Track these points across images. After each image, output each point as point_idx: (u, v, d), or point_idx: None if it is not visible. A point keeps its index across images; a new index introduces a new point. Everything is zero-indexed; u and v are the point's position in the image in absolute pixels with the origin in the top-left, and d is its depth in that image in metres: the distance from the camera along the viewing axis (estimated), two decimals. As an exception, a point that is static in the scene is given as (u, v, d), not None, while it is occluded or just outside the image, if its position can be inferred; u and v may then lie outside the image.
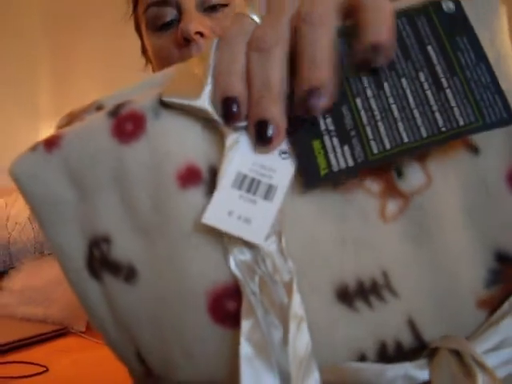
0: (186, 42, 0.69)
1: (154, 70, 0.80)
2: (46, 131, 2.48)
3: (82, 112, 0.32)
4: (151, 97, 0.29)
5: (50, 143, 0.29)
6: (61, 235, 0.29)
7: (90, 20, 2.33)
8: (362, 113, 0.25)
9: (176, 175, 0.28)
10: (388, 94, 0.26)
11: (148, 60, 0.81)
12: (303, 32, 0.26)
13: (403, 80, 0.26)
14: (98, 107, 0.31)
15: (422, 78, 0.26)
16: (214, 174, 0.27)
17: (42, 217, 0.29)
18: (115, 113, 0.29)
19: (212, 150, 0.28)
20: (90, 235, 0.29)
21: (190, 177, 0.28)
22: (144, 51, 0.82)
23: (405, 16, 0.27)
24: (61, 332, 1.63)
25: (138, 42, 0.85)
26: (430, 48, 0.26)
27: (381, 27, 0.25)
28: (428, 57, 0.26)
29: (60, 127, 0.31)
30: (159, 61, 0.74)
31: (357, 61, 0.26)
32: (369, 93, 0.26)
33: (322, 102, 0.25)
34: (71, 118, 0.32)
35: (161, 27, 0.72)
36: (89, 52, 2.36)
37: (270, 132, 0.25)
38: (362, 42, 0.26)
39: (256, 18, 0.28)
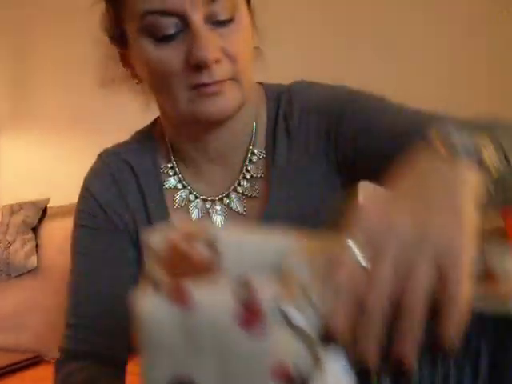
0: (197, 67, 0.64)
1: (137, 77, 0.73)
2: (5, 137, 2.39)
3: (192, 238, 0.39)
4: (274, 297, 0.36)
5: (180, 298, 0.36)
6: (154, 363, 0.37)
7: (49, 24, 2.25)
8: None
9: (272, 370, 0.35)
10: (437, 376, 0.35)
11: (127, 66, 0.73)
12: (404, 321, 0.34)
13: (451, 368, 0.35)
14: (208, 242, 0.39)
15: (467, 372, 0.35)
16: (301, 379, 0.35)
17: (147, 342, 0.37)
18: (243, 301, 0.36)
19: (307, 361, 0.35)
20: (178, 376, 0.36)
21: (282, 376, 0.35)
22: (123, 58, 0.73)
23: (477, 317, 0.34)
24: (34, 360, 1.55)
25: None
26: (483, 352, 0.35)
27: (451, 335, 0.32)
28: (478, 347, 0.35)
29: (169, 251, 0.40)
30: (155, 73, 0.68)
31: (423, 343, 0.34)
32: (424, 370, 0.35)
33: (409, 370, 0.33)
34: (185, 238, 0.39)
35: (161, 39, 0.65)
36: (48, 57, 2.28)
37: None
38: (431, 339, 0.33)
39: (361, 259, 0.35)
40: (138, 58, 0.69)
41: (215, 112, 0.67)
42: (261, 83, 0.80)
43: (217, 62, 0.64)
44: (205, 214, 0.76)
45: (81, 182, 0.81)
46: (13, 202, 1.94)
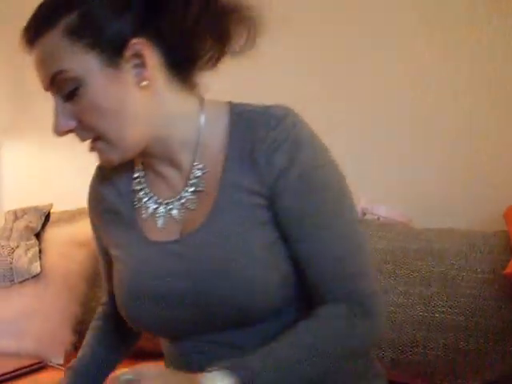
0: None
1: None
2: (7, 143, 2.39)
3: None
4: None
5: None
6: None
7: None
8: None
9: None
10: None
11: None
12: None
13: None
14: None
15: None
16: None
17: None
18: None
19: None
20: None
21: None
22: None
23: None
24: (37, 366, 1.54)
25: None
26: None
27: None
28: None
29: None
30: None
31: None
32: None
33: None
34: None
35: None
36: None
37: None
38: None
39: None
40: None
41: (102, 163, 0.82)
42: (229, 102, 0.83)
43: (73, 129, 0.78)
44: (152, 214, 0.84)
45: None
46: (16, 207, 1.94)
